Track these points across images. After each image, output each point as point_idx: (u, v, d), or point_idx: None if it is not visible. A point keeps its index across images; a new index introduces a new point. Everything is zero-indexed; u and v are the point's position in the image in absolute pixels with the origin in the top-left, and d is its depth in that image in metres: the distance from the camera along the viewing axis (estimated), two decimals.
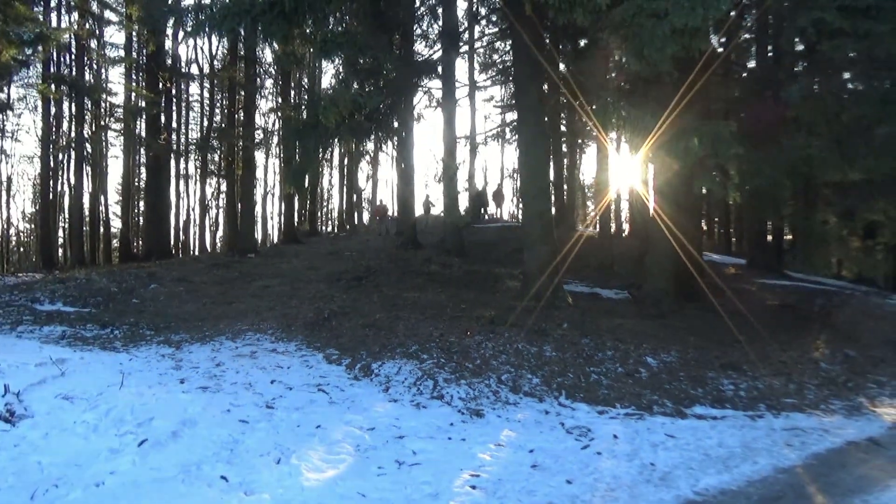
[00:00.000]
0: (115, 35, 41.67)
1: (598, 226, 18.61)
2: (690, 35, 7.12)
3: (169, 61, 22.19)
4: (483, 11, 19.71)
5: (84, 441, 4.25)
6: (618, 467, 4.55)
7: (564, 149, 23.58)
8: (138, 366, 6.39)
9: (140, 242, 25.31)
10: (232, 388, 5.78)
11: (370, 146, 26.06)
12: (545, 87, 12.70)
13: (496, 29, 21.69)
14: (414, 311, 9.02)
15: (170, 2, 19.01)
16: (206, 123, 27.56)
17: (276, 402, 5.49)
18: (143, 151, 24.87)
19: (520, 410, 5.79)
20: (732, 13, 10.22)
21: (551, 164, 16.53)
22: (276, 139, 29.21)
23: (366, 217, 33.14)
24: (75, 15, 21.92)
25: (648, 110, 8.77)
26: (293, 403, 5.50)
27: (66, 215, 26.23)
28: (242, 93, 20.65)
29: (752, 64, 17.23)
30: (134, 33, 21.56)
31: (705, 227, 26.01)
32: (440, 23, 16.50)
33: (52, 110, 22.01)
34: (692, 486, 4.24)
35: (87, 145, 22.79)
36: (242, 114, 21.18)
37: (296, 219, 26.13)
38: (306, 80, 26.95)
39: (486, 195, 27.03)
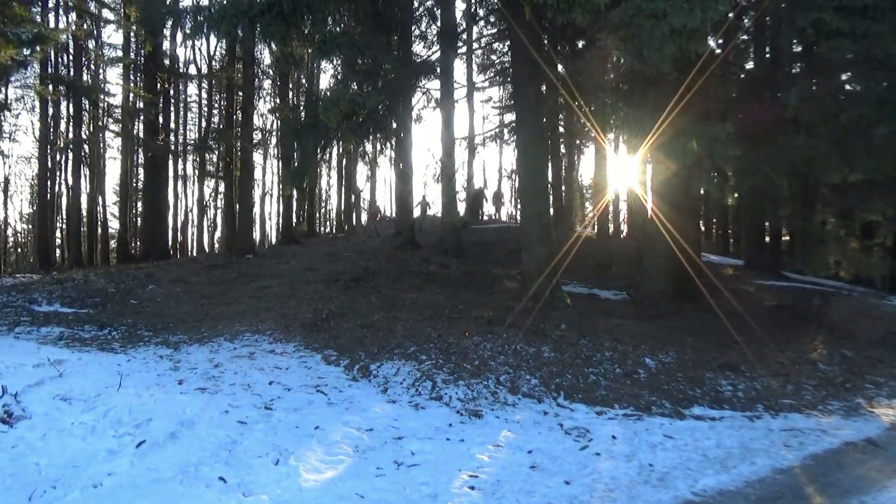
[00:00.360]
0: (113, 35, 41.79)
1: (596, 226, 18.59)
2: (688, 36, 7.13)
3: (167, 62, 22.20)
4: (481, 12, 19.71)
5: (82, 442, 4.24)
6: (616, 468, 4.55)
7: (563, 149, 23.58)
8: (136, 367, 6.38)
9: (138, 243, 25.26)
10: (230, 390, 5.77)
11: (368, 147, 26.16)
12: (543, 87, 12.71)
13: (494, 30, 21.70)
14: (412, 312, 9.02)
15: (168, 2, 19.02)
16: (204, 124, 27.59)
17: (275, 403, 5.48)
18: (141, 152, 24.82)
19: (518, 411, 5.79)
20: (731, 14, 10.23)
21: (549, 164, 16.54)
22: (274, 140, 29.22)
23: (364, 218, 33.14)
24: (73, 15, 21.90)
25: (646, 111, 8.78)
26: (291, 404, 5.49)
27: (64, 216, 26.18)
28: (240, 93, 20.65)
29: (750, 65, 17.26)
30: (132, 33, 21.53)
31: (703, 228, 26.01)
32: (438, 23, 16.50)
33: (50, 111, 22.02)
34: (690, 486, 4.25)
35: (85, 146, 22.81)
36: (240, 114, 21.19)
37: (294, 219, 26.13)
38: (304, 80, 26.93)
39: (483, 196, 27.01)
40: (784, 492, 4.25)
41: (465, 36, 21.53)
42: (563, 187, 23.16)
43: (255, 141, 23.17)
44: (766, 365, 7.77)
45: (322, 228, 32.89)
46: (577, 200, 30.09)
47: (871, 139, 10.04)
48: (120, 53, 22.93)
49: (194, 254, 28.09)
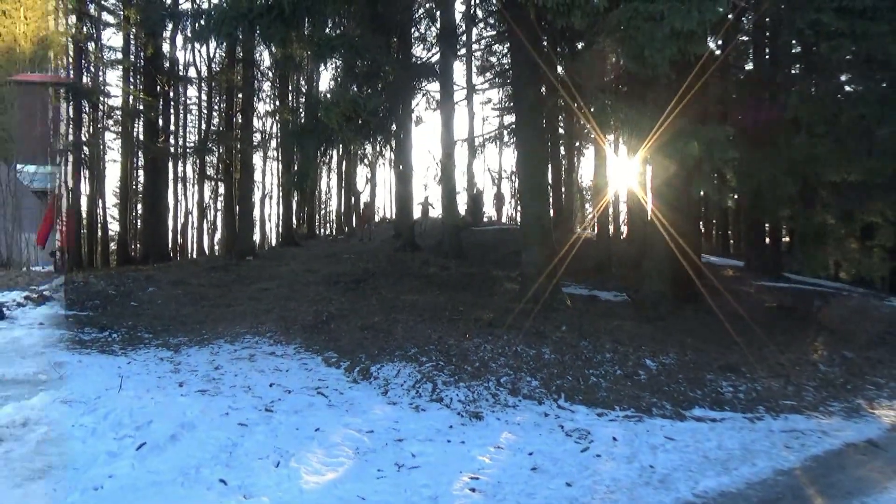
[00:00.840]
0: (112, 38, 41.80)
1: (596, 228, 18.59)
2: (687, 38, 7.14)
3: (167, 64, 22.21)
4: (480, 14, 19.75)
5: (82, 444, 4.24)
6: (617, 470, 4.55)
7: (563, 151, 23.59)
8: (136, 369, 6.38)
9: (138, 245, 25.24)
10: (230, 392, 5.77)
11: (368, 149, 26.16)
12: (543, 89, 12.71)
13: (494, 32, 21.73)
14: (412, 314, 9.02)
15: (168, 3, 19.04)
16: (203, 126, 27.58)
17: (275, 405, 5.48)
18: (141, 154, 24.81)
19: (519, 413, 5.79)
20: (730, 16, 10.23)
21: (549, 166, 16.54)
22: (274, 142, 29.22)
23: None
24: (73, 18, 21.92)
25: (646, 112, 8.79)
26: (292, 406, 5.49)
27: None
28: (240, 95, 20.67)
29: (749, 66, 17.27)
30: (132, 36, 21.57)
31: (703, 229, 26.01)
32: (438, 25, 16.51)
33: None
34: (691, 488, 4.25)
35: (85, 148, 22.78)
36: (240, 116, 21.20)
37: (294, 221, 26.11)
38: (304, 83, 26.94)
39: (481, 199, 27.05)
40: (785, 493, 4.25)
41: (464, 38, 21.54)
42: (563, 188, 23.17)
43: (254, 143, 23.18)
44: (766, 366, 7.77)
45: (322, 230, 32.87)
46: (577, 202, 30.06)
47: (872, 139, 10.04)
48: (120, 56, 22.96)
49: (194, 256, 28.06)
